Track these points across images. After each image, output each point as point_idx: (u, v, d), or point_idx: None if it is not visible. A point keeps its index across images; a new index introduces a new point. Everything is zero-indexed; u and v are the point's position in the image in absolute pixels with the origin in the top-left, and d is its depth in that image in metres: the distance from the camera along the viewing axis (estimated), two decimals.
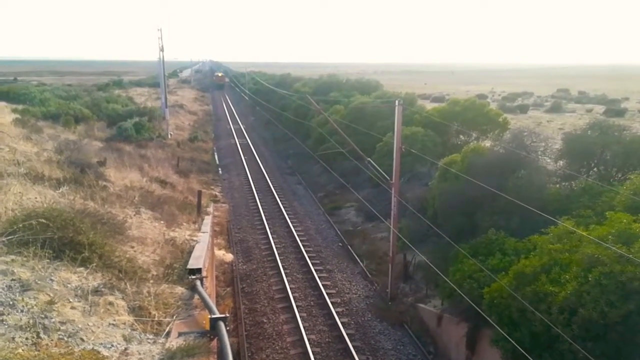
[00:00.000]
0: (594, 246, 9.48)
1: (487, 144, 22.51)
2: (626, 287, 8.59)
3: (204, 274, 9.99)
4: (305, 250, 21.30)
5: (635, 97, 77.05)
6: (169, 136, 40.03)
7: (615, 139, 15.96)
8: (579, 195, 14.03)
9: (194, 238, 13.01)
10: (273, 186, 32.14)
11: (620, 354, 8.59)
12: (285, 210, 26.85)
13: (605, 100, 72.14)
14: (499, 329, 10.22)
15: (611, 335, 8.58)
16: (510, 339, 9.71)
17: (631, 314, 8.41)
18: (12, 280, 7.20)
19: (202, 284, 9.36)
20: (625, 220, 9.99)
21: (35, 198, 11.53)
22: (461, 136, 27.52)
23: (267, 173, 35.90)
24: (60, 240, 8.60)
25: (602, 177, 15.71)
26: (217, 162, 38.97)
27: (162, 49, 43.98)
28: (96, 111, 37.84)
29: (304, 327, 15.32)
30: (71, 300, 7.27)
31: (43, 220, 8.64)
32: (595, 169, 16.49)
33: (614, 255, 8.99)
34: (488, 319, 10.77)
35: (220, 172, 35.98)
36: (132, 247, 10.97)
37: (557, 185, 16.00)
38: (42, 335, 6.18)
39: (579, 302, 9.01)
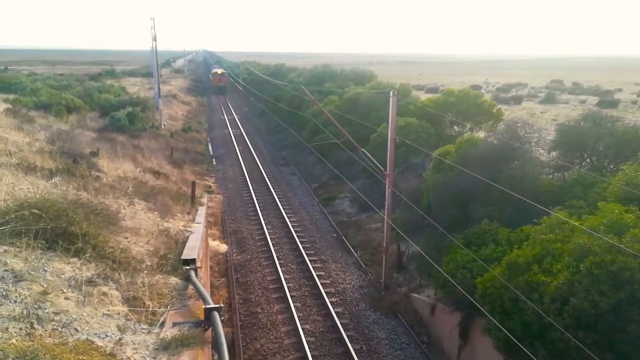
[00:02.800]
0: (586, 236, 9.55)
1: (481, 134, 22.57)
2: (617, 276, 8.67)
3: (198, 264, 9.98)
4: (300, 241, 21.34)
5: (629, 89, 77.39)
6: (163, 126, 39.78)
7: (608, 130, 16.03)
8: (571, 186, 14.11)
9: (188, 229, 12.98)
10: (267, 177, 32.10)
11: (611, 342, 8.70)
12: (280, 201, 26.84)
13: (599, 91, 72.42)
14: (492, 318, 10.31)
15: (602, 324, 8.67)
16: (502, 328, 9.80)
17: (622, 303, 8.50)
18: (5, 270, 7.17)
19: (196, 274, 9.36)
20: (617, 211, 10.08)
21: (28, 188, 11.44)
22: (455, 127, 27.57)
23: (261, 164, 35.82)
24: (53, 230, 8.55)
25: (594, 168, 15.80)
26: (211, 152, 38.83)
27: (155, 39, 43.53)
28: (88, 101, 37.50)
29: (298, 317, 15.39)
30: (65, 290, 7.25)
31: (36, 211, 8.58)
32: (588, 160, 16.58)
33: (606, 245, 9.06)
34: (481, 308, 10.86)
35: (214, 162, 35.87)
36: (126, 237, 10.93)
37: (550, 176, 16.09)
38: (35, 325, 6.17)
39: (570, 292, 9.10)
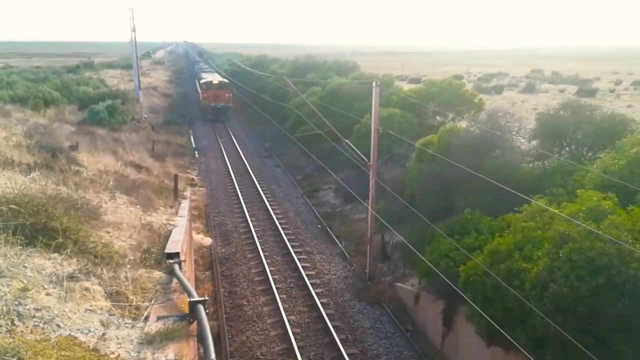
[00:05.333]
0: (565, 223, 9.72)
1: (463, 124, 22.74)
2: (595, 262, 8.85)
3: (182, 257, 9.91)
4: (285, 233, 21.34)
5: (607, 77, 78.69)
6: (143, 119, 39.24)
7: (586, 118, 16.27)
8: (551, 174, 14.34)
9: (171, 222, 12.86)
10: (251, 169, 31.96)
11: (590, 326, 8.90)
12: (264, 193, 26.78)
13: (578, 80, 73.54)
14: (474, 305, 10.47)
15: (581, 309, 8.86)
16: (484, 315, 9.96)
17: (600, 288, 8.68)
18: None
19: (180, 267, 9.30)
20: (595, 198, 10.27)
21: (5, 184, 11.20)
22: (438, 117, 27.74)
23: (244, 156, 35.63)
24: (33, 226, 8.40)
25: (573, 156, 16.06)
26: (194, 145, 38.45)
27: (134, 30, 42.81)
28: (66, 94, 36.79)
29: (283, 309, 15.44)
30: (46, 286, 7.15)
31: (14, 207, 8.43)
32: (567, 148, 16.83)
33: (584, 232, 9.23)
34: (464, 295, 11.02)
35: (196, 155, 35.55)
36: (108, 232, 10.79)
37: (531, 165, 16.31)
38: (16, 322, 6.07)
39: (550, 278, 9.27)
